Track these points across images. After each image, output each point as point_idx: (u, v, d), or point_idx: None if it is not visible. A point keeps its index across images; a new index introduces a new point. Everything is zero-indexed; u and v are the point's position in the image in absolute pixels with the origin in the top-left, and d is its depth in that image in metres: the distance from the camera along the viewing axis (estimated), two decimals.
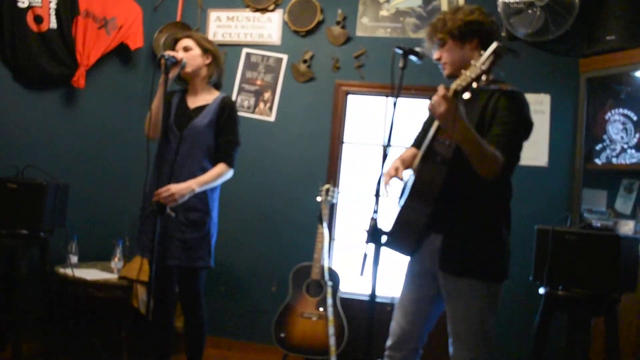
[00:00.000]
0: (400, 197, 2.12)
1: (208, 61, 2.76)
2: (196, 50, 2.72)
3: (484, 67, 1.72)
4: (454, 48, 2.10)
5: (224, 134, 2.72)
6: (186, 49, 2.71)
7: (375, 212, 1.84)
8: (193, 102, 2.77)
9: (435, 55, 2.15)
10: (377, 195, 1.91)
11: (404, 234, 2.07)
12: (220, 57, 2.82)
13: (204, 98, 2.77)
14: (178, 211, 2.60)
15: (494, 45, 1.72)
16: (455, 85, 1.79)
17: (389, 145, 1.97)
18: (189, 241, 2.63)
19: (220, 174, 2.68)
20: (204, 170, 2.67)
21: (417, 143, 2.35)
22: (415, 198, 1.99)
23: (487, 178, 1.94)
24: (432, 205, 1.98)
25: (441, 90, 1.81)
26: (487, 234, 2.05)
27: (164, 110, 2.74)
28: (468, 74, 1.75)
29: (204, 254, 2.68)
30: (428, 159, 2.01)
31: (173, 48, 2.76)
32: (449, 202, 1.99)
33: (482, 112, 2.03)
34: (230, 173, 2.73)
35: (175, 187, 2.53)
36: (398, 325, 2.18)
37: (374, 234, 1.80)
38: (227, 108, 2.74)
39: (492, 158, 1.90)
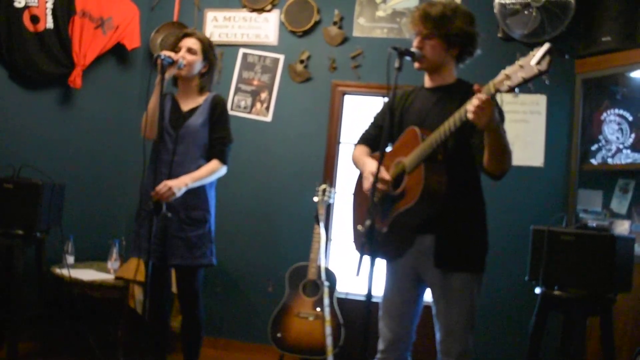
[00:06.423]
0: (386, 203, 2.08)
1: (204, 70, 2.76)
2: (199, 56, 2.71)
3: (541, 69, 1.60)
4: (439, 48, 2.09)
5: (216, 131, 2.72)
6: (191, 51, 2.69)
7: (369, 219, 1.82)
8: (185, 104, 2.77)
9: (416, 43, 2.11)
10: (373, 199, 1.90)
11: (394, 239, 2.09)
12: (216, 66, 2.83)
13: (195, 100, 2.77)
14: (179, 210, 2.61)
15: (547, 45, 1.60)
16: (495, 85, 1.72)
17: (385, 145, 1.97)
18: (191, 239, 2.64)
19: (213, 170, 2.68)
20: None
21: (371, 141, 2.34)
22: (423, 200, 1.95)
23: (497, 176, 1.96)
24: (440, 205, 1.97)
25: (482, 96, 1.73)
26: (477, 227, 2.11)
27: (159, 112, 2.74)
28: (520, 74, 1.63)
29: (207, 251, 2.69)
30: (430, 160, 1.97)
31: (176, 43, 2.72)
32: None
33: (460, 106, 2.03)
34: (223, 169, 2.73)
35: (171, 182, 2.55)
36: (388, 328, 2.19)
37: (368, 241, 1.80)
38: (218, 106, 2.74)
39: (510, 154, 1.92)
